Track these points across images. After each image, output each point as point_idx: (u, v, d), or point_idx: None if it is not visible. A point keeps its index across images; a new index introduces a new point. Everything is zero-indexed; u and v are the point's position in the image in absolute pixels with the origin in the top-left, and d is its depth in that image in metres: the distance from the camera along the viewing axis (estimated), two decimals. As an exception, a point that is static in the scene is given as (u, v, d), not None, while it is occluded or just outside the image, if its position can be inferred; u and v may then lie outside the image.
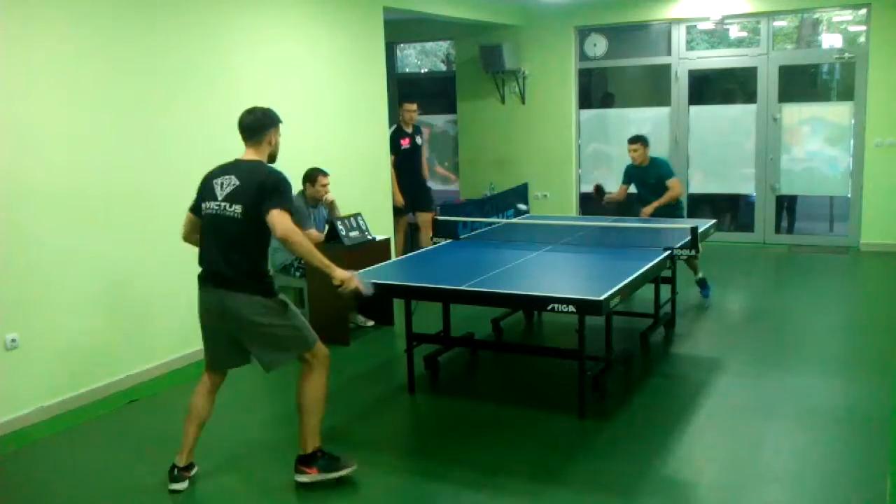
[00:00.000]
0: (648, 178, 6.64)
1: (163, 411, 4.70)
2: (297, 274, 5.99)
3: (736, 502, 3.47)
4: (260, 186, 3.44)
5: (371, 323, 6.26)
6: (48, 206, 4.51)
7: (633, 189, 6.88)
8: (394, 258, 6.33)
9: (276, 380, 4.37)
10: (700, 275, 6.76)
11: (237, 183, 3.50)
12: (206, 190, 3.61)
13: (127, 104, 4.95)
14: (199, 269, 3.65)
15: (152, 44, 5.10)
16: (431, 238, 5.74)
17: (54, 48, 4.52)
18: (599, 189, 7.12)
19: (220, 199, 3.52)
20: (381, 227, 6.88)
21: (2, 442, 4.24)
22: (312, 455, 3.58)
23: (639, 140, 6.61)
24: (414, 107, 7.68)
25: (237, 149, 5.92)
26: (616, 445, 4.00)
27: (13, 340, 4.37)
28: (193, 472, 3.72)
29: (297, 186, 6.01)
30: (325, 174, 5.97)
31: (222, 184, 3.54)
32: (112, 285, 4.88)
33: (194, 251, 5.41)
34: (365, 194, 6.90)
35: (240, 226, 3.46)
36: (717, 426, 4.26)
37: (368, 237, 5.96)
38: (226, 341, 3.63)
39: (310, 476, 3.57)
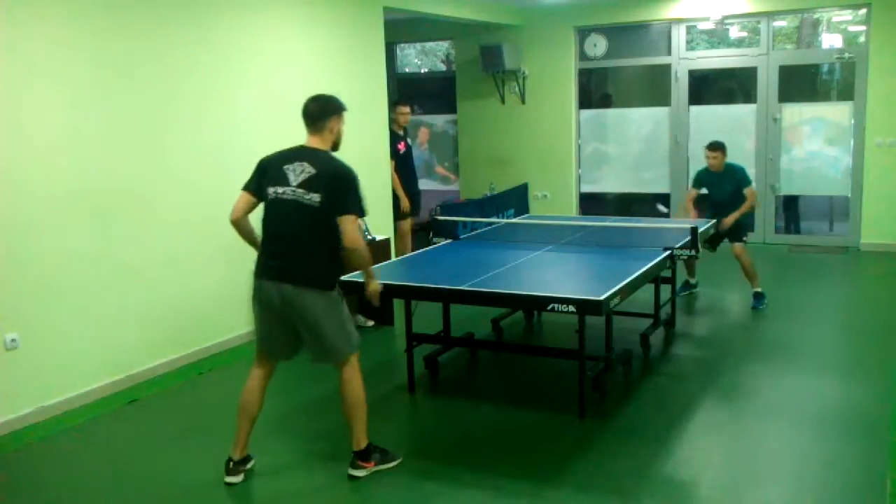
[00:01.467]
0: (724, 184, 6.49)
1: (163, 411, 4.70)
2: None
3: (736, 502, 3.47)
4: (336, 178, 3.46)
5: (371, 323, 6.26)
6: (48, 207, 4.51)
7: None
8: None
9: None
10: (695, 280, 6.79)
11: (313, 171, 3.46)
12: (273, 174, 3.54)
13: (127, 104, 4.94)
14: (258, 256, 3.66)
15: (152, 44, 5.09)
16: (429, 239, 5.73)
17: (54, 48, 4.52)
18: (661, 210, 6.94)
19: (294, 184, 3.46)
20: (381, 227, 6.88)
21: (2, 442, 4.24)
22: (367, 450, 3.68)
23: (719, 147, 6.48)
24: (407, 110, 7.63)
25: (237, 148, 5.95)
26: (616, 445, 4.00)
27: (13, 340, 4.37)
28: (250, 464, 3.76)
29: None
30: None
31: (295, 170, 3.49)
32: (112, 285, 4.88)
33: (193, 250, 5.45)
34: (364, 194, 6.87)
35: (317, 214, 3.43)
36: (717, 426, 4.26)
37: (368, 237, 5.96)
38: (283, 332, 3.61)
39: (367, 469, 3.67)
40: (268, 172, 3.58)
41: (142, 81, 5.04)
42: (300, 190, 3.45)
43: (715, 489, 3.58)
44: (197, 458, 4.01)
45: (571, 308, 3.83)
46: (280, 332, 3.61)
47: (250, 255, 5.90)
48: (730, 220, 6.39)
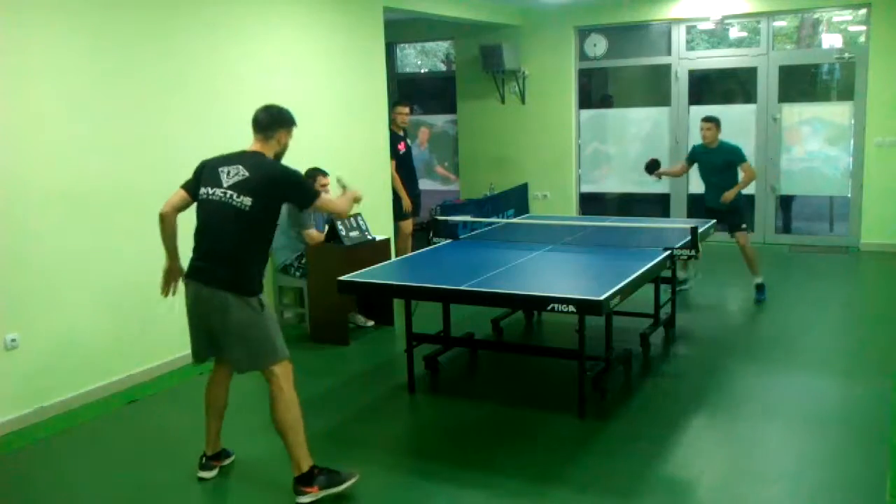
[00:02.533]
0: (716, 160, 6.60)
1: (163, 411, 4.71)
2: (297, 274, 5.99)
3: (736, 502, 3.47)
4: (272, 181, 3.46)
5: (371, 323, 6.25)
6: (48, 206, 4.51)
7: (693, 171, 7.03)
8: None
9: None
10: (686, 275, 6.84)
11: (246, 174, 3.45)
12: (207, 174, 3.53)
13: (127, 104, 4.94)
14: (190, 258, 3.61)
15: (152, 44, 5.09)
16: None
17: (53, 49, 4.52)
18: (655, 162, 7.07)
19: (225, 186, 3.44)
20: (381, 227, 6.88)
21: (2, 442, 4.24)
22: (309, 474, 3.46)
23: (713, 120, 6.60)
24: (406, 110, 7.63)
25: (237, 146, 5.91)
26: (616, 445, 4.00)
27: (13, 340, 4.37)
28: (228, 460, 3.80)
29: (297, 186, 6.02)
30: (324, 174, 5.96)
31: (228, 172, 3.48)
32: (112, 285, 4.88)
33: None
34: (364, 195, 6.86)
35: (245, 218, 3.41)
36: (717, 426, 4.26)
37: (368, 237, 5.96)
38: (204, 335, 3.58)
39: (312, 495, 3.43)
40: (203, 173, 3.57)
41: (141, 82, 5.03)
42: (231, 192, 3.42)
43: (714, 489, 3.58)
44: (197, 458, 4.01)
45: (571, 308, 3.83)
46: (201, 333, 3.58)
47: (250, 255, 5.94)
48: (731, 193, 6.45)
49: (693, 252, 5.01)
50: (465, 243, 5.59)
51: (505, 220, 6.12)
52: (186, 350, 5.36)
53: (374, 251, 5.84)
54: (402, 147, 7.54)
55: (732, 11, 8.85)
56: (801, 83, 9.53)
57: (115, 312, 4.91)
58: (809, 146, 9.00)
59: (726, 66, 9.56)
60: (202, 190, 3.52)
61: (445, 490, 3.58)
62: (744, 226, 6.59)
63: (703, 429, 4.21)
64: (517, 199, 6.62)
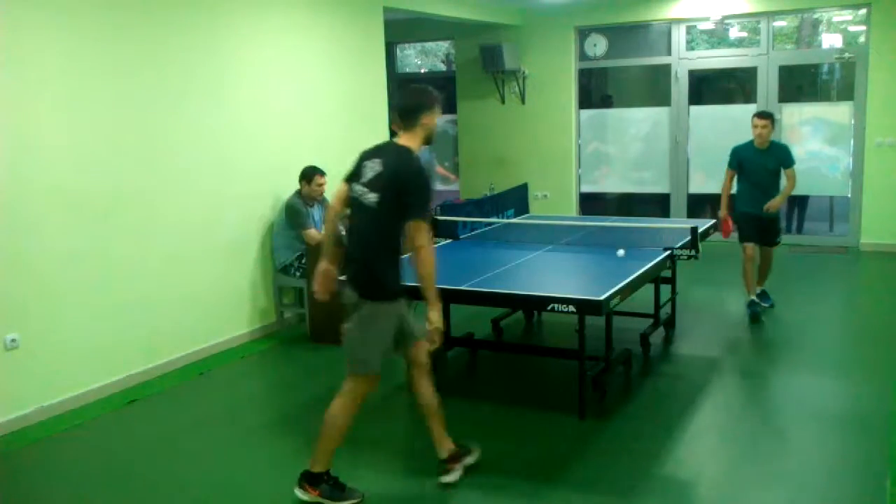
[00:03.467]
0: (768, 162, 5.96)
1: (163, 411, 4.70)
2: (297, 274, 5.99)
3: (736, 502, 3.47)
4: (396, 178, 3.26)
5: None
6: (48, 207, 4.51)
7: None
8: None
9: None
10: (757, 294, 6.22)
11: (380, 169, 3.31)
12: (357, 169, 3.42)
13: (128, 105, 4.94)
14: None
15: (153, 44, 5.09)
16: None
17: (55, 51, 4.52)
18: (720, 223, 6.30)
19: (362, 182, 3.34)
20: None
21: (2, 442, 4.24)
22: (319, 476, 3.43)
23: (768, 116, 5.94)
24: None
25: (237, 148, 5.95)
26: (616, 445, 4.00)
27: (13, 340, 4.37)
28: (470, 458, 3.67)
29: (294, 186, 6.03)
30: (322, 174, 5.96)
31: (369, 167, 3.36)
32: (112, 285, 4.88)
33: (193, 251, 5.45)
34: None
35: (372, 216, 3.30)
36: (717, 426, 4.26)
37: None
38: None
39: (311, 496, 3.41)
40: (357, 165, 3.45)
41: (142, 82, 5.03)
42: (365, 188, 3.33)
43: (714, 489, 3.58)
44: (197, 458, 4.02)
45: (571, 308, 3.83)
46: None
47: (249, 256, 5.95)
48: (776, 202, 5.97)
49: (693, 252, 5.00)
50: (465, 243, 5.58)
51: (505, 220, 6.12)
52: (186, 350, 5.41)
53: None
54: None
55: (732, 11, 8.85)
56: (802, 83, 9.54)
57: (115, 312, 4.91)
58: (809, 146, 9.00)
59: (726, 66, 9.56)
60: (352, 185, 3.42)
61: (445, 490, 3.58)
62: (779, 239, 6.24)
63: (703, 429, 4.21)
64: (517, 199, 6.61)
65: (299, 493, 3.44)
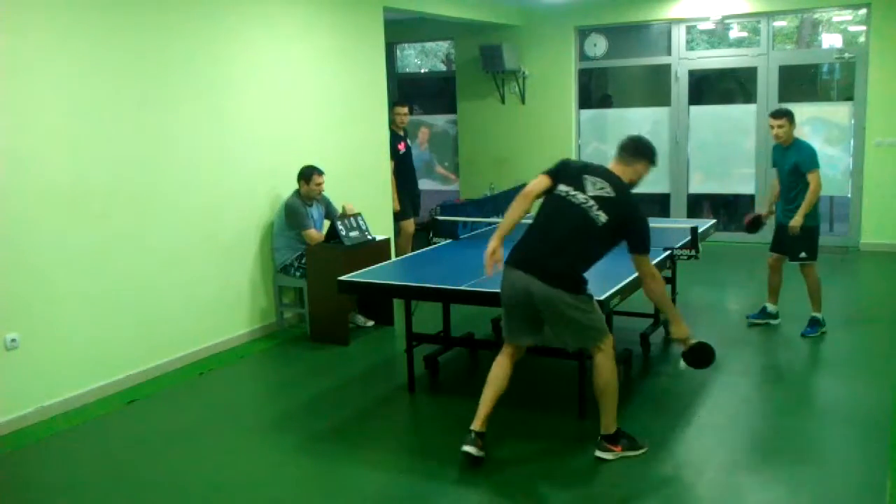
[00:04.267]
0: (785, 162, 5.52)
1: (163, 411, 4.70)
2: (297, 274, 5.99)
3: (736, 502, 3.47)
4: (627, 216, 3.62)
5: (371, 323, 6.25)
6: (48, 207, 4.51)
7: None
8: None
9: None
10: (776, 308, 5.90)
11: (612, 194, 3.60)
12: (572, 175, 3.68)
13: (128, 105, 4.94)
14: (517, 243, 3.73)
15: (152, 45, 5.09)
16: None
17: (54, 49, 4.52)
18: (757, 220, 5.95)
19: (588, 194, 3.60)
20: (381, 227, 6.88)
21: (2, 442, 4.24)
22: (616, 434, 3.75)
23: (784, 115, 5.49)
24: (405, 110, 7.64)
25: (237, 148, 5.93)
26: (616, 445, 4.00)
27: (13, 340, 4.37)
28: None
29: (293, 186, 6.03)
30: (320, 173, 5.96)
31: (595, 183, 3.63)
32: (112, 285, 4.88)
33: (193, 251, 5.45)
34: (364, 194, 6.90)
35: (596, 232, 3.57)
36: (717, 426, 4.26)
37: (368, 237, 5.95)
38: (524, 319, 3.74)
39: (615, 453, 3.72)
40: (567, 171, 3.72)
41: (142, 82, 5.04)
42: (592, 202, 3.58)
43: (714, 489, 3.58)
44: (196, 458, 4.02)
45: (572, 308, 3.82)
46: (521, 317, 3.73)
47: (249, 256, 5.96)
48: (796, 222, 5.36)
49: (693, 252, 5.00)
50: (465, 243, 5.59)
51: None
52: (186, 350, 5.41)
53: (375, 251, 5.84)
54: (401, 147, 7.54)
55: (732, 11, 8.85)
56: (802, 83, 9.54)
57: (115, 312, 4.91)
58: (809, 146, 8.99)
59: (726, 66, 9.56)
60: (562, 188, 3.67)
61: (445, 490, 3.59)
62: (802, 254, 5.50)
63: (703, 428, 4.21)
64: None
65: (603, 455, 3.73)
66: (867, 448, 3.88)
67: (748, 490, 3.54)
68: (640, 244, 3.66)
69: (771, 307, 5.96)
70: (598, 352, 3.71)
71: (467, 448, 3.68)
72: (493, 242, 3.72)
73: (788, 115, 5.54)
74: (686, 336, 3.83)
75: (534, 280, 3.58)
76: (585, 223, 3.58)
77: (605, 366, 3.71)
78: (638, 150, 3.77)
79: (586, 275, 3.66)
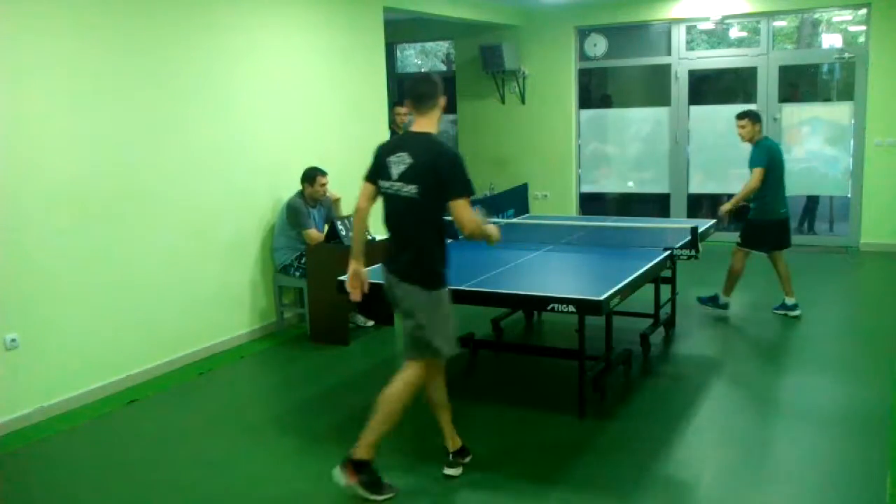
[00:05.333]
0: (749, 160, 5.96)
1: (163, 411, 4.70)
2: (297, 274, 5.99)
3: (736, 502, 3.47)
4: (434, 167, 3.32)
5: (371, 323, 6.25)
6: (49, 207, 4.51)
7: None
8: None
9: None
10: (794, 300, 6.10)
11: (410, 161, 3.36)
12: (381, 165, 3.47)
13: (128, 105, 4.94)
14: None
15: (152, 43, 5.09)
16: None
17: (54, 49, 4.52)
18: (745, 209, 6.19)
19: (394, 178, 3.40)
20: (381, 227, 6.86)
21: (2, 442, 4.24)
22: (361, 464, 3.43)
23: (745, 116, 5.96)
24: (405, 110, 7.61)
25: (237, 148, 5.93)
26: (616, 445, 4.00)
27: (13, 340, 4.37)
28: (467, 459, 3.73)
29: (295, 186, 6.03)
30: (323, 174, 5.97)
31: (396, 162, 3.40)
32: (112, 285, 4.88)
33: (193, 250, 5.45)
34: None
35: (415, 207, 3.36)
36: (717, 426, 4.26)
37: (369, 237, 5.94)
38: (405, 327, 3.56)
39: (350, 482, 3.42)
40: (377, 164, 3.51)
41: (142, 83, 5.03)
42: (398, 183, 3.38)
43: (715, 489, 3.58)
44: (197, 458, 4.02)
45: (571, 308, 3.83)
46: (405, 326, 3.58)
47: (249, 256, 5.96)
48: (725, 206, 6.05)
49: (693, 252, 5.00)
50: (465, 243, 5.57)
51: (505, 220, 6.11)
52: (186, 350, 5.41)
53: (375, 251, 5.82)
54: None
55: (732, 11, 8.85)
56: (801, 83, 9.53)
57: (115, 312, 4.91)
58: (809, 146, 9.00)
59: (726, 66, 9.56)
60: (381, 183, 3.48)
61: (445, 490, 3.58)
62: (738, 239, 6.07)
63: (703, 429, 4.21)
64: (517, 199, 6.61)
65: (338, 477, 3.43)
66: (867, 448, 3.87)
67: (748, 490, 3.53)
68: (453, 188, 3.30)
69: (789, 300, 6.12)
70: (408, 368, 3.48)
71: (448, 471, 3.66)
72: (350, 266, 3.62)
73: (749, 116, 5.95)
74: (498, 236, 3.57)
75: (396, 279, 3.48)
76: (408, 207, 3.37)
77: (400, 388, 3.45)
78: (434, 88, 3.50)
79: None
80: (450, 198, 3.30)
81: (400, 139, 3.52)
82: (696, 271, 6.79)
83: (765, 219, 6.02)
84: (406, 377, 3.48)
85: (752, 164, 5.93)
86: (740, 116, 6.05)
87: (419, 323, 3.43)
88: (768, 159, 5.91)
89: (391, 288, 3.53)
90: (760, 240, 6.06)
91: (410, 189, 3.35)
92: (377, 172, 3.50)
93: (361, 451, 3.43)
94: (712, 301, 6.26)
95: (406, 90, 3.53)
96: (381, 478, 3.48)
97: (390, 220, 3.53)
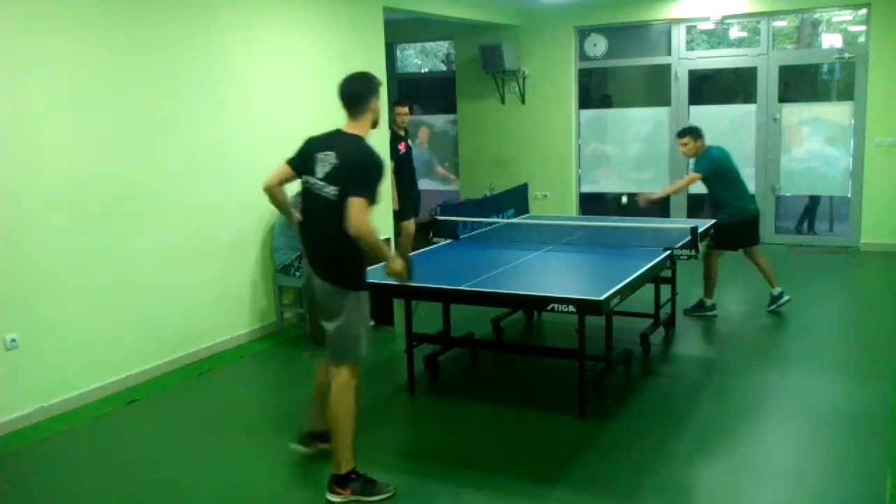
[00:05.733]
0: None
1: (163, 411, 4.70)
2: (297, 274, 5.98)
3: (736, 502, 3.47)
4: (354, 165, 3.31)
5: (371, 323, 6.23)
6: (49, 207, 4.51)
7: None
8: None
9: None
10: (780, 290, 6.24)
11: (336, 162, 3.34)
12: (307, 160, 3.44)
13: (128, 104, 4.94)
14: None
15: (152, 45, 5.09)
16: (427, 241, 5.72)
17: (54, 49, 4.52)
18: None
19: (319, 176, 3.37)
20: (381, 227, 6.87)
21: (2, 442, 4.24)
22: (346, 476, 3.44)
23: (685, 133, 6.14)
24: (406, 110, 7.61)
25: (237, 149, 5.93)
26: (616, 445, 4.00)
27: (13, 340, 4.37)
28: (324, 445, 3.74)
29: (294, 186, 6.02)
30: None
31: (323, 160, 3.37)
32: (113, 285, 4.88)
33: (193, 250, 5.45)
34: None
35: (333, 208, 3.31)
36: (717, 426, 4.26)
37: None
38: (316, 321, 3.61)
39: (343, 497, 3.42)
40: (303, 155, 3.48)
41: (142, 83, 5.03)
42: (321, 182, 3.36)
43: (715, 489, 3.58)
44: (197, 458, 4.02)
45: (571, 308, 3.83)
46: (314, 318, 3.64)
47: (249, 256, 5.95)
48: (651, 196, 6.34)
49: (693, 252, 5.01)
50: (465, 243, 5.59)
51: (505, 220, 6.12)
52: (186, 350, 5.41)
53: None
54: (402, 147, 7.53)
55: (732, 11, 8.85)
56: (802, 83, 9.53)
57: (115, 312, 4.91)
58: (809, 146, 9.00)
59: (726, 66, 9.56)
60: (304, 177, 3.46)
61: (445, 490, 3.58)
62: (711, 243, 6.09)
63: (703, 429, 4.21)
64: (517, 199, 6.61)
65: (331, 498, 3.44)
66: (867, 448, 3.88)
67: (748, 490, 3.53)
68: (361, 186, 3.26)
69: (775, 290, 6.23)
70: (338, 374, 3.46)
71: (293, 445, 3.80)
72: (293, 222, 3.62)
73: (692, 133, 6.11)
74: (401, 271, 3.48)
75: (314, 274, 3.46)
76: (328, 207, 3.32)
77: (339, 395, 3.43)
78: (365, 91, 3.45)
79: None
80: (350, 193, 3.24)
81: (331, 137, 3.45)
82: (696, 271, 6.79)
83: (737, 221, 6.10)
84: (339, 382, 3.46)
85: (695, 167, 6.19)
86: (681, 134, 6.18)
87: (338, 324, 3.42)
88: (710, 167, 6.05)
89: (310, 279, 3.52)
90: (733, 240, 6.15)
91: (331, 190, 3.32)
92: (303, 164, 3.46)
93: (340, 466, 3.44)
94: (699, 308, 6.25)
95: (339, 89, 3.48)
96: (374, 479, 3.49)
97: (308, 216, 3.50)
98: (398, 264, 3.47)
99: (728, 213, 6.10)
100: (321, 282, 3.43)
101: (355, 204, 3.23)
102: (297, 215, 3.59)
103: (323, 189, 3.35)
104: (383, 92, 7.31)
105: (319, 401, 3.74)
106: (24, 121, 4.38)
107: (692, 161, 6.29)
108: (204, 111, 5.48)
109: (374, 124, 3.53)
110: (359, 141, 3.41)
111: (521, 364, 5.26)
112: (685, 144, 6.13)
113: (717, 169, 6.06)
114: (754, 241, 6.24)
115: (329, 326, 3.46)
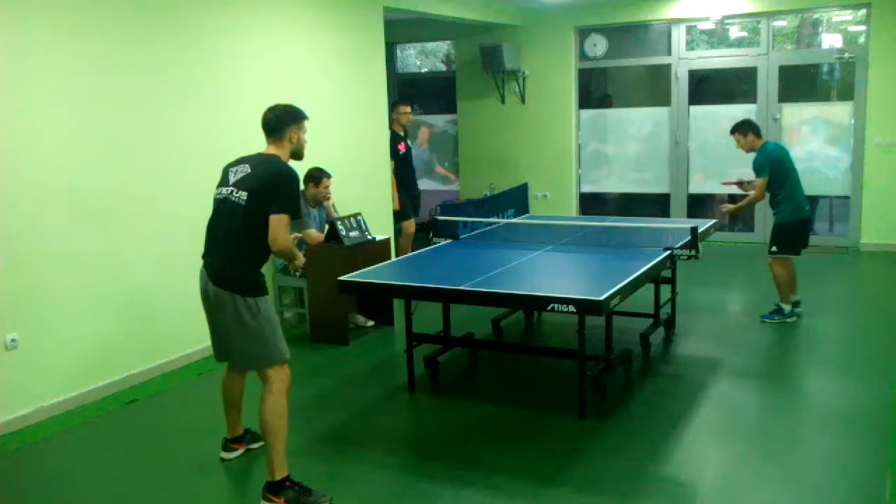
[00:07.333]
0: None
1: (163, 411, 4.70)
2: (297, 274, 5.99)
3: (736, 502, 3.47)
4: (271, 180, 3.38)
5: (371, 323, 6.25)
6: (48, 206, 4.51)
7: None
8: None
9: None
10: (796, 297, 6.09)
11: (248, 171, 3.44)
12: (222, 176, 3.57)
13: (128, 104, 4.94)
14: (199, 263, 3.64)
15: (152, 45, 5.09)
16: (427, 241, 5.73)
17: (53, 49, 4.52)
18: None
19: (230, 183, 3.46)
20: (381, 227, 6.88)
21: (2, 442, 4.24)
22: (280, 483, 3.37)
23: (736, 130, 5.96)
24: (408, 109, 7.59)
25: (236, 147, 5.92)
26: (616, 445, 4.00)
27: (13, 340, 4.37)
28: (256, 445, 3.87)
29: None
30: (328, 176, 5.98)
31: (235, 171, 3.49)
32: (112, 285, 4.88)
33: (192, 251, 5.43)
34: (364, 194, 6.90)
35: (240, 212, 3.37)
36: (717, 426, 4.26)
37: (368, 237, 5.95)
38: (214, 331, 3.63)
39: None
40: (222, 176, 3.59)
41: (141, 82, 5.03)
42: (232, 188, 3.44)
43: (715, 489, 3.58)
44: (196, 458, 4.02)
45: (571, 308, 3.83)
46: (212, 330, 3.62)
47: (250, 255, 5.94)
48: (730, 207, 6.27)
49: (693, 252, 5.00)
50: (465, 243, 5.59)
51: (505, 220, 6.12)
52: (186, 350, 5.40)
53: (374, 251, 5.84)
54: (402, 147, 7.53)
55: (732, 11, 8.85)
56: (801, 83, 9.53)
57: (115, 312, 4.91)
58: (809, 146, 9.00)
59: (726, 66, 9.56)
60: (215, 191, 3.56)
61: (446, 490, 3.58)
62: (774, 249, 5.90)
63: (703, 429, 4.21)
64: (517, 199, 6.62)
65: None
66: (867, 448, 3.88)
67: (748, 490, 3.53)
68: (281, 202, 3.33)
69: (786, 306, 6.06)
70: (266, 379, 3.45)
71: (223, 454, 3.89)
72: None
73: (740, 130, 5.95)
74: (300, 264, 3.80)
75: (209, 281, 3.49)
76: (233, 210, 3.38)
77: (269, 401, 3.39)
78: (280, 120, 3.53)
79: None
80: (272, 210, 3.33)
81: (246, 158, 3.55)
82: (696, 271, 6.79)
83: (794, 219, 5.88)
84: (269, 390, 3.44)
85: (756, 172, 5.92)
86: (731, 132, 6.05)
87: (250, 332, 3.43)
88: (770, 166, 5.83)
89: (205, 286, 3.53)
90: (794, 240, 5.91)
91: (241, 195, 3.39)
92: (219, 183, 3.55)
93: (274, 473, 3.39)
94: (779, 314, 5.97)
95: (264, 123, 3.58)
96: (307, 487, 3.43)
97: (213, 223, 3.54)
98: (301, 260, 3.72)
99: (785, 211, 5.86)
100: (216, 288, 3.45)
101: (277, 221, 3.33)
102: (302, 257, 3.78)
103: (232, 194, 3.42)
104: (382, 96, 7.35)
105: (232, 413, 3.88)
106: (24, 121, 4.38)
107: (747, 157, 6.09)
108: (203, 111, 5.48)
109: (296, 155, 3.61)
110: (274, 157, 3.50)
111: (521, 364, 5.26)
112: (738, 141, 5.98)
113: (776, 167, 5.82)
114: (805, 245, 5.99)
115: (234, 339, 3.47)
